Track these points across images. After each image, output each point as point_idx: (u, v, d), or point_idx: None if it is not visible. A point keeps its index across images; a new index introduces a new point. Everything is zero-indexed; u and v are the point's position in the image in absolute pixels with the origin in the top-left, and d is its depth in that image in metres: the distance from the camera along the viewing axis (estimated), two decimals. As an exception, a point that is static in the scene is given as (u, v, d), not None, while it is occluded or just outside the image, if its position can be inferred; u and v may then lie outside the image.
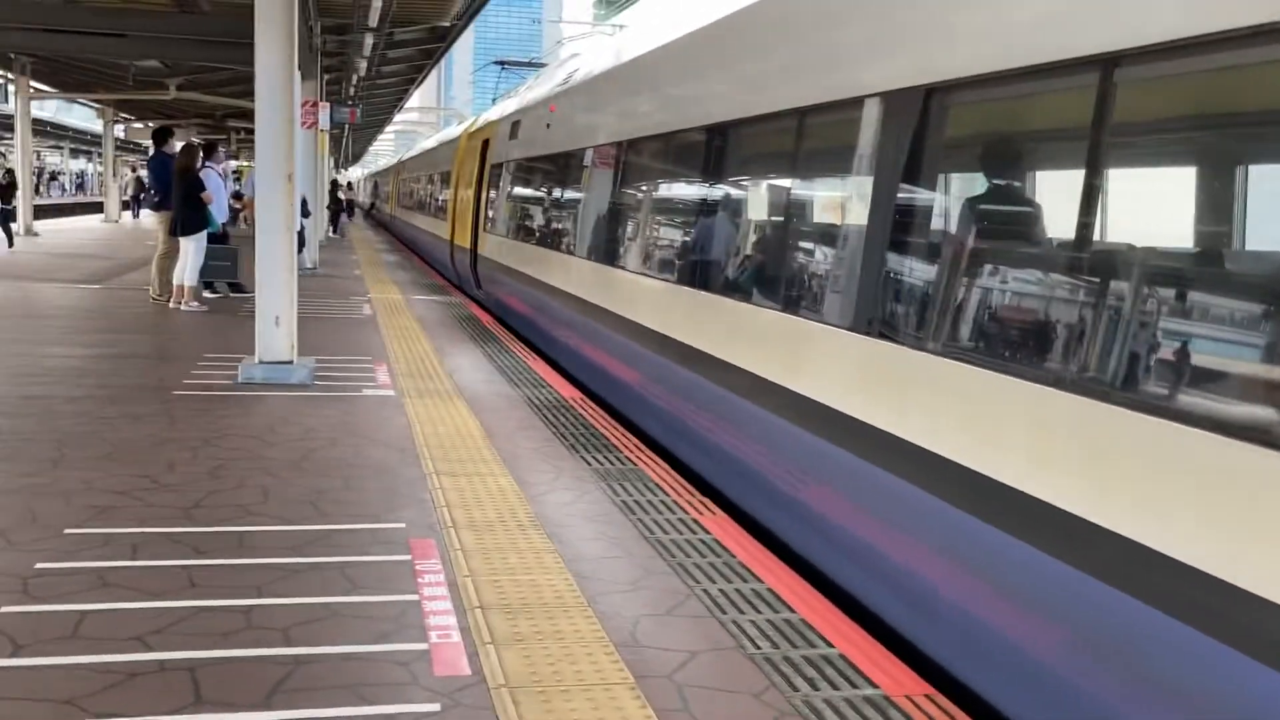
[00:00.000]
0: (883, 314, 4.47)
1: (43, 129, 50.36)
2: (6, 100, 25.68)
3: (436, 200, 23.00)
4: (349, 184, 58.80)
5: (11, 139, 31.86)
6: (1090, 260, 3.39)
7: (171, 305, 12.70)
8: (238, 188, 26.43)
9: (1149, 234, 3.26)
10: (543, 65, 24.70)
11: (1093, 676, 3.11)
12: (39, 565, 4.21)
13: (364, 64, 21.59)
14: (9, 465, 5.61)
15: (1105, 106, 3.33)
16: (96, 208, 43.10)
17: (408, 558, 4.51)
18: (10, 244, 21.87)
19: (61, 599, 3.90)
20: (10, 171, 23.66)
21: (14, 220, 23.47)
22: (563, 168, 10.93)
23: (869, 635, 3.96)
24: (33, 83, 25.79)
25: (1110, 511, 3.06)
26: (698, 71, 7.15)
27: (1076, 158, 3.45)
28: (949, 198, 4.32)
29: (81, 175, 74.05)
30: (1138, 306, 3.17)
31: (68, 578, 4.11)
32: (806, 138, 5.47)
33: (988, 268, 3.97)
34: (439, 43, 23.25)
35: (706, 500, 5.62)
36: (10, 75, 25.26)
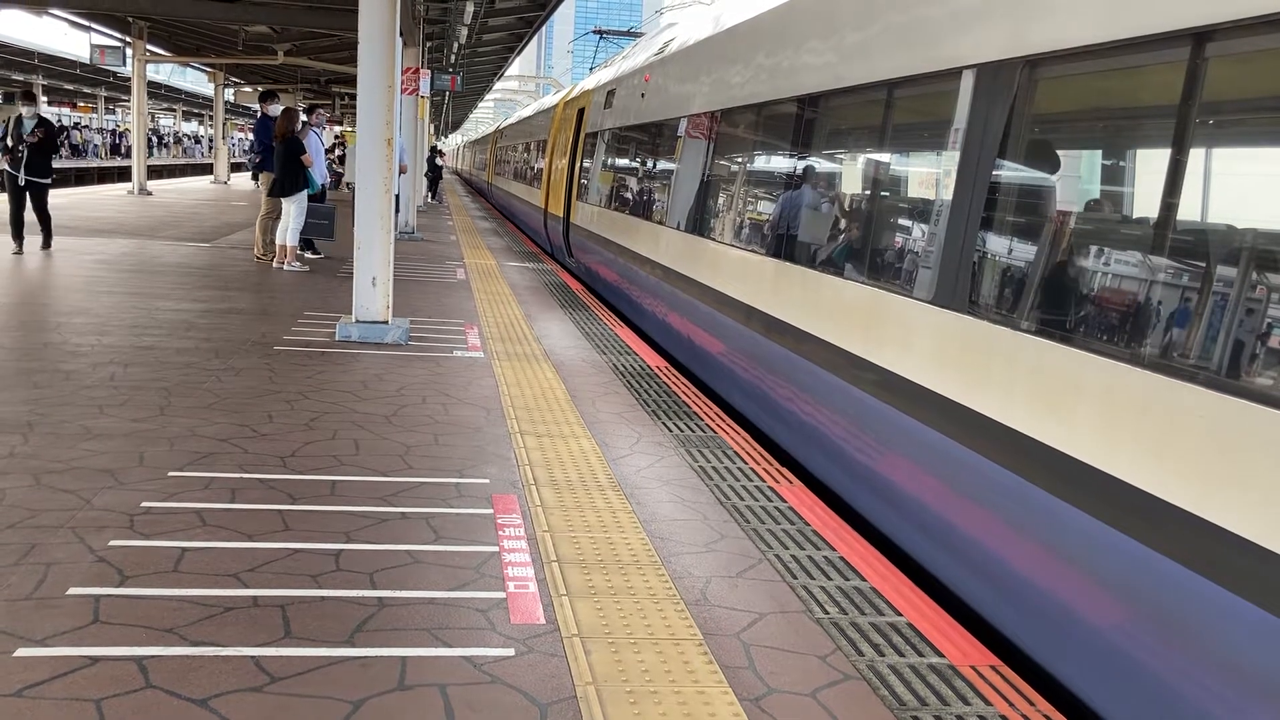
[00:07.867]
0: (974, 290, 4.39)
1: (157, 91, 52.09)
2: (124, 64, 26.47)
3: (532, 168, 23.21)
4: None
5: (129, 100, 32.87)
6: (1197, 242, 3.24)
7: (274, 264, 13.12)
8: (342, 151, 27.04)
9: (1268, 216, 3.02)
10: (641, 35, 24.69)
11: (1164, 657, 3.10)
12: (144, 504, 4.46)
13: (465, 32, 21.83)
14: (122, 411, 5.91)
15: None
16: (206, 169, 44.55)
17: (490, 511, 4.66)
18: (44, 243, 13.28)
19: (164, 536, 4.13)
20: (54, 126, 13.94)
21: (51, 188, 13.50)
22: (656, 137, 10.97)
23: (938, 606, 3.98)
24: (149, 46, 26.66)
25: (1204, 500, 2.96)
26: (790, 42, 7.12)
27: (1180, 136, 3.27)
28: (1044, 174, 4.25)
29: (197, 138, 76.33)
30: (1250, 289, 2.99)
31: (171, 516, 4.35)
32: (896, 110, 5.43)
33: (1083, 247, 3.86)
34: (539, 11, 23.39)
35: (785, 470, 5.66)
36: (128, 39, 26.16)
